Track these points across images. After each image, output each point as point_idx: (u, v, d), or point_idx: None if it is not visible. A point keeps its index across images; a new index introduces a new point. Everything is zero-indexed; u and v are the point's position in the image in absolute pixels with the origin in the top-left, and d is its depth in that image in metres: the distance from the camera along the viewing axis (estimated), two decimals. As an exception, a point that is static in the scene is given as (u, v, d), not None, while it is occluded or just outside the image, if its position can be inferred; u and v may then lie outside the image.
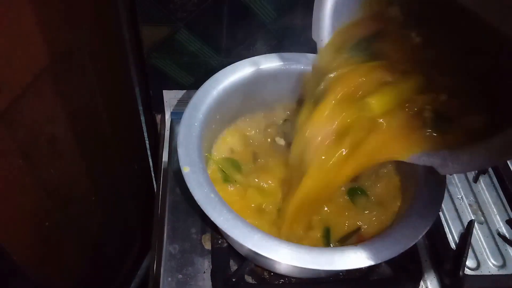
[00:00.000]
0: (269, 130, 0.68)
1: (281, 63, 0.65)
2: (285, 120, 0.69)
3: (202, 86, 0.60)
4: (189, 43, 0.69)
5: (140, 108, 0.85)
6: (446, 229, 0.64)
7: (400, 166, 0.64)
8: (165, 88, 0.77)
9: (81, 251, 0.74)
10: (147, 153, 0.96)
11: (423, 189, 0.56)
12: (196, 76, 0.75)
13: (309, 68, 0.62)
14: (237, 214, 0.50)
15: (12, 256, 0.52)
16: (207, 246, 0.64)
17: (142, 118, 0.87)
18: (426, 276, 0.64)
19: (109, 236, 0.85)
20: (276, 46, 0.71)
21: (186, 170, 0.51)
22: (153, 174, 1.00)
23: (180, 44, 0.68)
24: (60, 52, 0.50)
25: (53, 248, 0.64)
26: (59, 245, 0.66)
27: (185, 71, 0.75)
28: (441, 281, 0.63)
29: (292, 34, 0.69)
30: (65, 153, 0.59)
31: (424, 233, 0.51)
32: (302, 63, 0.65)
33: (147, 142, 0.93)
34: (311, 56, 0.66)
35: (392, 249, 0.50)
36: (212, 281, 0.60)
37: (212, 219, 0.48)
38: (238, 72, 0.63)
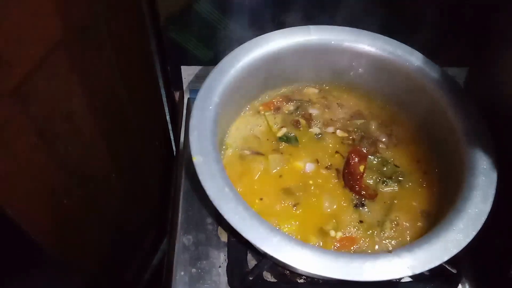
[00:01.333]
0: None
1: (308, 38, 0.57)
2: (297, 108, 0.62)
3: (218, 64, 0.54)
4: (208, 14, 0.62)
5: (161, 84, 0.81)
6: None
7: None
8: (183, 63, 0.71)
9: (101, 229, 0.72)
10: (168, 130, 0.92)
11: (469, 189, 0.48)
12: (215, 51, 0.68)
13: (339, 43, 0.55)
14: (255, 212, 0.44)
15: (31, 235, 0.51)
16: (223, 238, 0.58)
17: (163, 95, 0.83)
18: (464, 278, 0.57)
19: (130, 216, 0.83)
20: (305, 19, 0.63)
21: (197, 160, 0.45)
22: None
23: (199, 15, 0.62)
24: (74, 25, 0.47)
25: (72, 227, 0.62)
26: (79, 224, 0.64)
27: (204, 45, 0.69)
28: (485, 283, 0.56)
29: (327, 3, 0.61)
30: (83, 130, 0.56)
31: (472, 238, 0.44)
32: (331, 37, 0.57)
33: (168, 119, 0.89)
34: (342, 29, 0.58)
35: (431, 257, 0.43)
36: (228, 276, 0.55)
37: (225, 217, 0.42)
38: (260, 48, 0.56)
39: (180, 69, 0.72)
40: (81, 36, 0.49)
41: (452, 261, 0.49)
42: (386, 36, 0.60)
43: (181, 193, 0.62)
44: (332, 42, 0.59)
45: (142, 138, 0.77)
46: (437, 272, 0.54)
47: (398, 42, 0.59)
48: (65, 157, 0.54)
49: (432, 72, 0.58)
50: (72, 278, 0.67)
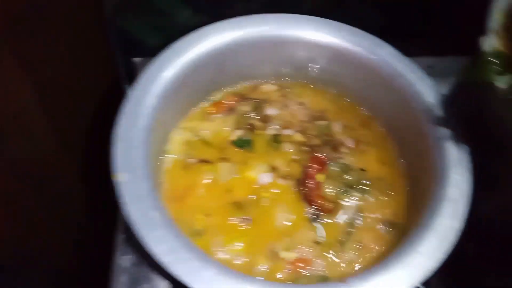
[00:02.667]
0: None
1: (263, 27, 0.50)
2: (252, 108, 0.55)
3: (153, 60, 0.46)
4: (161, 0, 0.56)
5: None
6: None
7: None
8: (136, 55, 0.64)
9: (65, 232, 0.68)
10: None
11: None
12: (173, 39, 0.61)
13: (299, 33, 0.48)
14: (187, 240, 0.37)
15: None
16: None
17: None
18: None
19: (96, 217, 0.78)
20: (266, 5, 0.56)
21: (120, 178, 0.38)
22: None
23: (151, 1, 0.56)
24: (13, 15, 0.43)
25: (32, 232, 0.58)
26: (38, 228, 0.60)
27: (158, 35, 0.61)
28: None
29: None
30: (34, 129, 0.52)
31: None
32: (289, 26, 0.50)
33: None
34: (302, 18, 0.51)
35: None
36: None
37: (148, 248, 0.36)
38: (207, 40, 0.49)
39: (133, 62, 0.65)
40: (22, 29, 0.44)
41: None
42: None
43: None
44: (290, 32, 0.52)
45: (100, 134, 0.72)
46: None
47: (365, 33, 0.52)
48: (15, 159, 0.50)
49: (403, 67, 0.51)
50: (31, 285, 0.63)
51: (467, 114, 0.47)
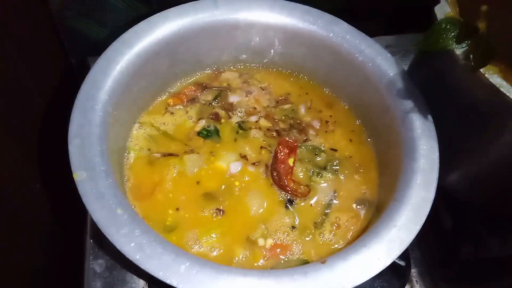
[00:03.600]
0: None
1: (214, 12, 0.48)
2: (215, 97, 0.54)
3: (102, 54, 0.44)
4: None
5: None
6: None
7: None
8: (89, 54, 0.62)
9: (34, 244, 0.64)
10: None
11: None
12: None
13: (252, 16, 0.47)
14: (157, 235, 0.35)
15: None
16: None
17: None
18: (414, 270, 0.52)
19: (64, 228, 0.74)
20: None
21: (79, 176, 0.36)
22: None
23: None
24: None
25: None
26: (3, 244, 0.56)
27: (108, 31, 0.60)
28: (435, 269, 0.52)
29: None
30: None
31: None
32: (242, 9, 0.49)
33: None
34: (259, 0, 0.50)
35: (372, 263, 0.36)
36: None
37: (117, 247, 0.34)
38: (156, 29, 0.46)
39: (87, 61, 0.62)
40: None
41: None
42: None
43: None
44: (243, 16, 0.50)
45: (62, 138, 0.68)
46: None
47: (319, 11, 0.51)
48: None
49: (361, 42, 0.51)
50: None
51: (429, 84, 0.47)
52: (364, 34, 0.51)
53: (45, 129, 0.62)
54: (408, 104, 0.47)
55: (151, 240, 0.35)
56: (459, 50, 0.40)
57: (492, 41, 0.37)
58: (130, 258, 0.34)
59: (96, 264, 0.50)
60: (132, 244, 0.34)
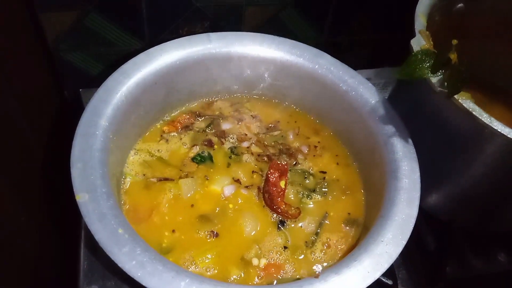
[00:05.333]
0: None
1: (208, 45, 0.52)
2: (208, 124, 0.56)
3: (103, 83, 0.46)
4: (102, 29, 0.56)
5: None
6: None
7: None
8: (82, 86, 0.63)
9: (19, 277, 0.61)
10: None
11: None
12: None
13: (243, 49, 0.50)
14: (157, 254, 0.37)
15: None
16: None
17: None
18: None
19: (49, 258, 0.72)
20: (209, 28, 0.58)
21: (81, 198, 0.37)
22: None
23: (92, 31, 0.56)
24: None
25: None
26: None
27: (102, 64, 0.61)
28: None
29: (227, 12, 0.56)
30: None
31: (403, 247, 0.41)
32: (234, 43, 0.52)
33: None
34: (244, 34, 0.53)
35: (363, 277, 0.38)
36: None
37: (120, 265, 0.35)
38: (154, 61, 0.49)
39: (79, 93, 0.64)
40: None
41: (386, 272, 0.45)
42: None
43: (82, 236, 0.53)
44: (235, 49, 0.54)
45: (50, 172, 0.68)
46: (372, 285, 0.50)
47: (305, 45, 0.56)
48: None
49: (344, 73, 0.54)
50: None
51: (408, 111, 0.51)
52: (347, 66, 0.55)
53: (35, 159, 0.62)
54: (390, 129, 0.51)
55: (151, 258, 0.36)
56: (434, 79, 0.44)
57: (464, 70, 0.41)
58: (132, 276, 0.35)
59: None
60: (134, 262, 0.35)
